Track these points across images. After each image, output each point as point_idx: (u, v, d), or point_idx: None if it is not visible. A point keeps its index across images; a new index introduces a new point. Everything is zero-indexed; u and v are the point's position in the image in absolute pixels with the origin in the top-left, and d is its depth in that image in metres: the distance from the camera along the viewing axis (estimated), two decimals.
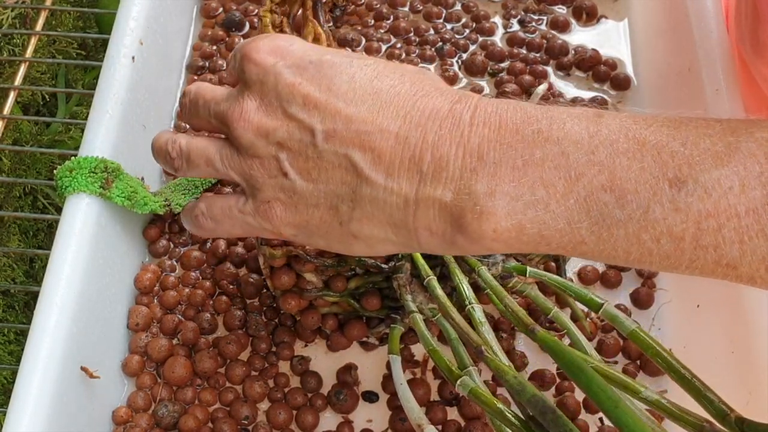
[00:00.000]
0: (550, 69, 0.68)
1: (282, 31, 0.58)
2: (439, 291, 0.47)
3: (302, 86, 0.38)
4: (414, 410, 0.46)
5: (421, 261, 0.49)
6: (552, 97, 0.65)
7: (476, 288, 0.49)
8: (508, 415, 0.40)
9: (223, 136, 0.42)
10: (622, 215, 0.33)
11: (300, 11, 0.59)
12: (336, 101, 0.37)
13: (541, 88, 0.57)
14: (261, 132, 0.39)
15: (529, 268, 0.50)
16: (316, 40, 0.56)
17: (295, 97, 0.38)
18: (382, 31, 0.70)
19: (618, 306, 0.56)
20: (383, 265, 0.50)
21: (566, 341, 0.50)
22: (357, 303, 0.52)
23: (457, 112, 0.36)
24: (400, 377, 0.48)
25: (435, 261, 0.51)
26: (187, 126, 0.65)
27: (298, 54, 0.39)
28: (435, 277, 0.48)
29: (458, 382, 0.43)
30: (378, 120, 0.37)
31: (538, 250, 0.35)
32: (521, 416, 0.40)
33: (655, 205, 0.33)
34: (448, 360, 0.45)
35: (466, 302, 0.47)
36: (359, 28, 0.71)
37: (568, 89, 0.67)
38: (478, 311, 0.46)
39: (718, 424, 0.38)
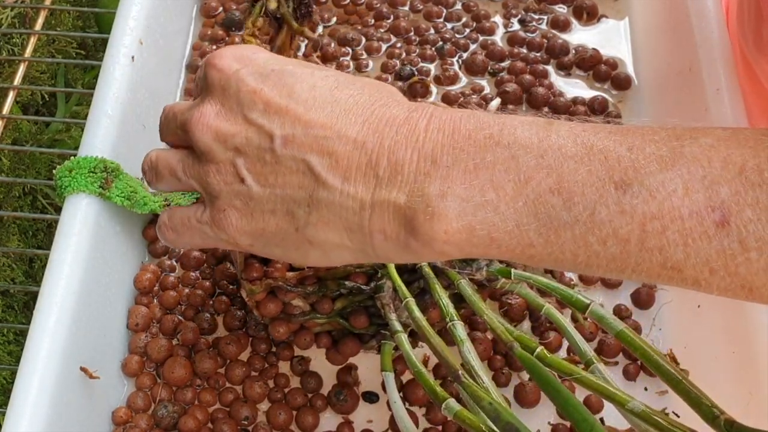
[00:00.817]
0: (550, 68, 0.68)
1: None
2: (417, 313, 0.48)
3: (263, 92, 0.39)
4: (408, 429, 0.46)
5: (398, 281, 0.49)
6: (552, 96, 0.65)
7: (461, 299, 0.49)
8: None
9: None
10: (569, 217, 0.34)
11: (281, 42, 0.59)
12: (296, 107, 0.38)
13: (495, 104, 0.58)
14: (219, 137, 0.39)
15: (513, 271, 0.50)
16: None
17: (256, 103, 0.38)
18: (382, 30, 0.70)
19: (618, 306, 0.55)
20: (364, 287, 0.50)
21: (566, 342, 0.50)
22: (346, 322, 0.52)
23: (413, 119, 0.37)
24: (395, 395, 0.48)
25: (415, 276, 0.51)
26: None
27: (261, 62, 0.40)
28: (413, 299, 0.48)
29: (443, 405, 0.43)
30: (337, 126, 0.37)
31: (489, 253, 0.36)
32: None
33: (601, 207, 0.33)
34: (433, 383, 0.45)
35: (447, 318, 0.47)
36: (359, 27, 0.71)
37: (569, 89, 0.67)
38: (459, 329, 0.46)
39: None
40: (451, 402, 0.43)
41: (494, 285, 0.51)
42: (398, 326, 0.48)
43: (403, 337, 0.48)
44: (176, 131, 0.42)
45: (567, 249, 0.34)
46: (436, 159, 0.36)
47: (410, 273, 0.51)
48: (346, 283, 0.50)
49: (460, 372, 0.43)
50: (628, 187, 0.33)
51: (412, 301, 0.48)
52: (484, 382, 0.44)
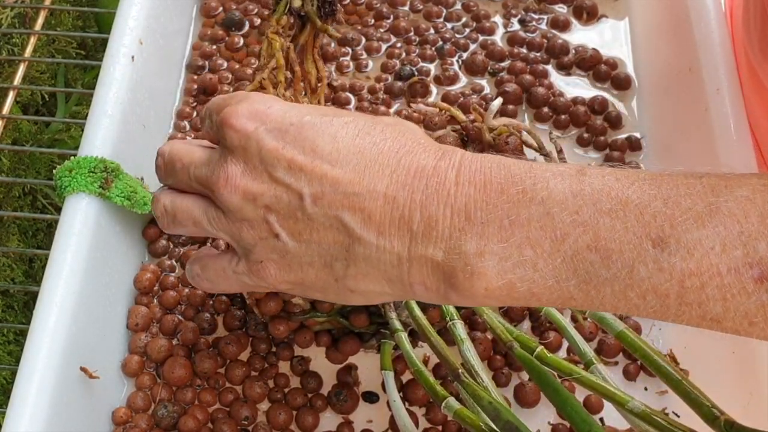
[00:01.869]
0: (550, 68, 0.68)
1: (287, 58, 0.58)
2: (417, 311, 0.48)
3: (285, 150, 0.38)
4: (408, 427, 0.46)
5: None
6: (552, 96, 0.65)
7: None
8: None
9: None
10: (608, 274, 0.34)
11: (304, 41, 0.59)
12: (321, 163, 0.38)
13: (496, 104, 0.57)
14: (248, 196, 0.39)
15: None
16: (318, 79, 0.56)
17: (279, 161, 0.38)
18: (382, 30, 0.70)
19: None
20: None
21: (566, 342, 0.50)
22: (346, 321, 0.52)
23: (441, 169, 0.37)
24: (394, 394, 0.48)
25: None
26: (187, 127, 0.65)
27: (278, 117, 0.39)
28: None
29: (444, 403, 0.43)
30: (365, 181, 0.37)
31: (530, 304, 0.36)
32: None
33: (640, 265, 0.33)
34: (433, 382, 0.45)
35: (447, 318, 0.47)
36: (359, 27, 0.71)
37: (569, 89, 0.67)
38: (459, 328, 0.47)
39: None
40: (451, 401, 0.43)
41: None
42: (398, 325, 0.49)
43: (403, 336, 0.48)
44: (190, 183, 0.41)
45: (607, 302, 0.34)
46: (470, 215, 0.35)
47: None
48: None
49: (460, 371, 0.43)
50: (666, 244, 0.33)
51: (412, 301, 0.48)
52: (484, 381, 0.44)
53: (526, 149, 0.57)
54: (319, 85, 0.59)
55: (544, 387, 0.40)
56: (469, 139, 0.53)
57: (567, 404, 0.38)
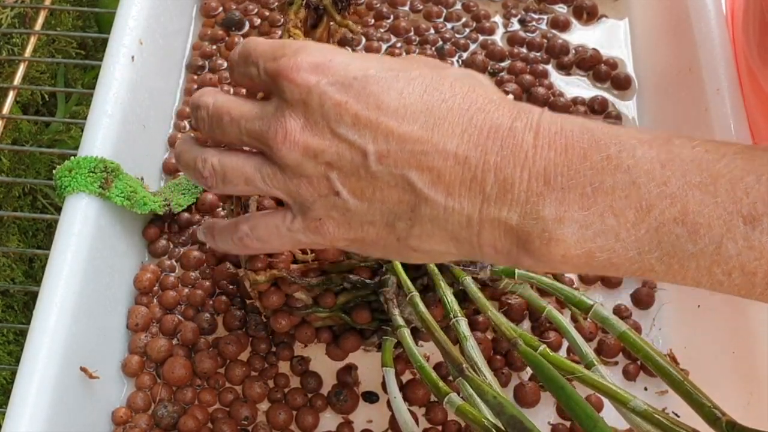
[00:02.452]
0: (550, 68, 0.68)
1: None
2: (422, 307, 0.47)
3: (350, 105, 0.36)
4: (408, 424, 0.46)
5: (403, 276, 0.49)
6: (552, 96, 0.65)
7: (465, 296, 0.49)
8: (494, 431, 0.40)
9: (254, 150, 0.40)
10: (694, 249, 0.33)
11: (320, 35, 0.58)
12: (387, 120, 0.36)
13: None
14: (309, 153, 0.37)
15: (517, 271, 0.50)
16: None
17: (343, 117, 0.36)
18: (382, 30, 0.70)
19: (618, 306, 0.55)
20: (368, 281, 0.50)
21: (566, 343, 0.50)
22: (348, 317, 0.52)
23: (518, 130, 0.35)
24: (395, 390, 0.48)
25: (419, 272, 0.51)
26: (187, 127, 0.65)
27: (341, 70, 0.37)
28: (417, 293, 0.48)
29: (445, 399, 0.43)
30: (434, 139, 0.35)
31: (607, 273, 0.36)
32: None
33: (729, 242, 0.33)
34: (435, 377, 0.45)
35: (451, 315, 0.47)
36: (359, 27, 0.71)
37: (569, 89, 0.67)
38: (462, 325, 0.46)
39: None
40: (453, 396, 0.43)
41: (497, 285, 0.51)
42: (401, 321, 0.48)
43: (406, 332, 0.48)
44: (241, 138, 0.39)
45: (689, 277, 0.34)
46: (549, 179, 0.34)
47: (415, 270, 0.51)
48: (351, 276, 0.50)
49: (464, 366, 0.43)
50: (758, 222, 0.32)
51: (417, 296, 0.48)
52: (487, 378, 0.44)
53: None
54: None
55: (549, 383, 0.40)
56: None
57: (572, 400, 0.38)
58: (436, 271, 0.50)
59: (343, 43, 0.69)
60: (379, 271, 0.51)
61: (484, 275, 0.50)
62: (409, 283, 0.49)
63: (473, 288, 0.49)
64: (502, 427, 0.40)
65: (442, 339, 0.45)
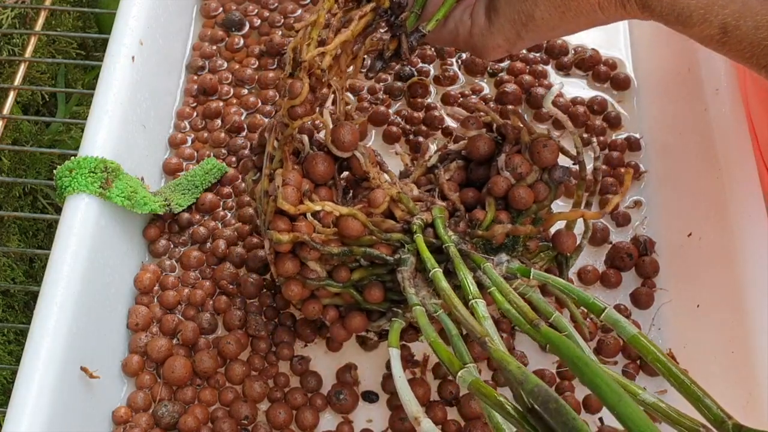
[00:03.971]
0: (549, 69, 0.68)
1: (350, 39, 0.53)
2: (444, 283, 0.47)
3: None
4: (411, 402, 0.46)
5: (427, 253, 0.49)
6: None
7: (479, 288, 0.49)
8: (508, 407, 0.40)
9: None
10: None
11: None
12: None
13: (556, 88, 0.56)
14: None
15: (533, 271, 0.49)
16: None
17: None
18: (382, 30, 0.70)
19: (618, 306, 0.56)
20: (388, 258, 0.50)
21: None
22: (359, 295, 0.51)
23: None
24: (399, 370, 0.47)
25: (440, 257, 0.50)
26: (187, 127, 0.65)
27: None
28: (440, 270, 0.48)
29: (459, 374, 0.43)
30: None
31: (710, 11, 0.45)
32: (520, 409, 0.40)
33: None
34: (449, 352, 0.44)
35: (470, 297, 0.47)
36: None
37: (568, 89, 0.67)
38: (481, 306, 0.46)
39: (714, 430, 0.38)
40: (466, 371, 0.42)
41: (510, 284, 0.51)
42: (416, 299, 0.48)
43: (421, 310, 0.47)
44: None
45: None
46: None
47: (436, 253, 0.50)
48: (371, 251, 0.50)
49: (486, 339, 0.43)
50: None
51: (440, 272, 0.48)
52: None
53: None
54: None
55: (572, 362, 0.40)
56: (505, 140, 0.52)
57: (597, 377, 0.38)
58: (458, 254, 0.49)
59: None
60: (399, 249, 0.50)
61: (500, 272, 0.50)
62: (432, 259, 0.48)
63: (493, 272, 0.48)
64: (516, 406, 0.40)
65: (464, 314, 0.45)
